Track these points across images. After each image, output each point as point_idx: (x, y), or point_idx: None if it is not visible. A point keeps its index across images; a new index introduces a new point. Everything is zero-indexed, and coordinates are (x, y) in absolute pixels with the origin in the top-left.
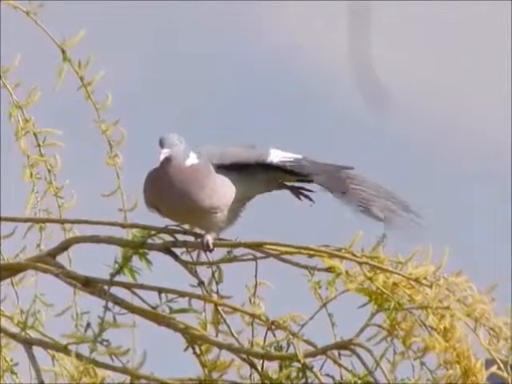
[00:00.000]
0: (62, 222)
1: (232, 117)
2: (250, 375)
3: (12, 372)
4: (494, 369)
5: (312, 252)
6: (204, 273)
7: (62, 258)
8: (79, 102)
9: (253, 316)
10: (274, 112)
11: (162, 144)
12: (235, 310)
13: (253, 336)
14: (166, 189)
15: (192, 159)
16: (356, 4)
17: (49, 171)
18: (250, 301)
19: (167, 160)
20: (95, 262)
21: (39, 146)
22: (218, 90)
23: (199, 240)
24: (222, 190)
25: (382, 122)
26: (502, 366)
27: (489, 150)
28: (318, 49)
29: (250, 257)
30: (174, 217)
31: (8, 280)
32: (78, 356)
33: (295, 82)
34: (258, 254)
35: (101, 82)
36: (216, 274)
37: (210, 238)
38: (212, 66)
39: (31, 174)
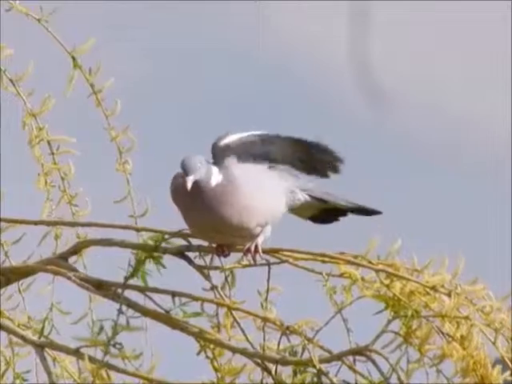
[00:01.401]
0: (73, 224)
1: (232, 115)
2: (262, 380)
3: (23, 379)
4: (507, 374)
5: (328, 259)
6: (218, 277)
7: (75, 263)
8: (89, 108)
9: (266, 320)
10: (274, 110)
11: (185, 171)
12: (248, 314)
13: (264, 340)
14: (197, 214)
15: (215, 177)
16: (356, 4)
17: (62, 179)
18: (262, 305)
19: (194, 184)
20: (107, 265)
21: (53, 154)
22: (219, 87)
23: (248, 245)
24: (251, 204)
25: (381, 120)
26: None
27: (490, 148)
28: (318, 48)
29: (264, 262)
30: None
31: (21, 286)
32: (91, 359)
33: (295, 80)
34: (272, 260)
35: (110, 88)
36: (229, 279)
37: (259, 242)
38: (213, 64)
39: (46, 182)
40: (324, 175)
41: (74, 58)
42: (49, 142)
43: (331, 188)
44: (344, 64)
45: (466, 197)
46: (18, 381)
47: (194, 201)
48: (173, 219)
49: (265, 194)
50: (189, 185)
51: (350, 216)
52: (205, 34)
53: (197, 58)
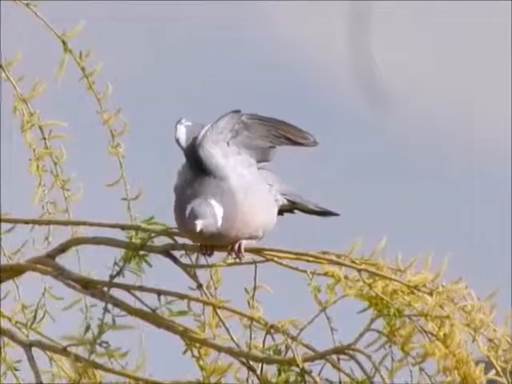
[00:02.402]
0: (62, 223)
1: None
2: (247, 379)
3: (15, 369)
4: (491, 374)
5: (311, 258)
6: (204, 276)
7: (65, 259)
8: (81, 92)
9: (251, 319)
10: (274, 110)
11: (194, 216)
12: (234, 312)
13: (251, 339)
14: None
15: (219, 215)
16: (356, 4)
17: (55, 164)
18: (249, 304)
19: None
20: (95, 263)
21: (44, 139)
22: (218, 83)
23: (233, 245)
24: (249, 219)
25: (382, 120)
26: (500, 371)
27: (489, 149)
28: (318, 47)
29: (250, 260)
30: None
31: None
32: (77, 358)
33: (295, 80)
34: (258, 258)
35: (103, 71)
36: (214, 278)
37: (244, 242)
38: (212, 60)
39: (38, 167)
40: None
41: (64, 42)
42: (40, 127)
43: (332, 185)
44: (344, 64)
45: (466, 197)
46: (10, 371)
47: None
48: (164, 203)
49: (263, 211)
50: (198, 227)
51: (345, 216)
52: (205, 32)
53: (196, 50)
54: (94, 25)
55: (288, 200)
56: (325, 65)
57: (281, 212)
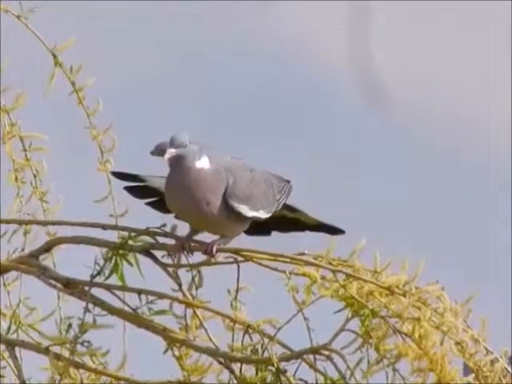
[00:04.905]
0: (44, 223)
1: (232, 115)
2: (230, 379)
3: (1, 376)
4: (470, 378)
5: (288, 260)
6: (186, 277)
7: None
8: (71, 107)
9: (230, 319)
10: (275, 110)
11: (170, 143)
12: (214, 312)
13: (233, 340)
14: (176, 191)
15: (203, 163)
16: (356, 4)
17: (34, 176)
18: (232, 305)
19: (175, 159)
20: (77, 263)
21: (25, 150)
22: (218, 88)
23: (208, 243)
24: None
25: (382, 119)
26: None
27: (489, 147)
28: (318, 47)
29: (231, 260)
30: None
31: None
32: (57, 357)
33: (295, 80)
34: (239, 258)
35: (93, 87)
36: (196, 278)
37: (216, 243)
38: (211, 64)
39: (16, 179)
40: None
41: (54, 56)
42: (21, 139)
43: (332, 185)
44: (344, 64)
45: (465, 197)
46: None
47: (177, 178)
48: (151, 218)
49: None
50: (167, 155)
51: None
52: (205, 33)
53: (194, 55)
54: (86, 39)
55: (286, 205)
56: (325, 64)
57: (268, 229)
